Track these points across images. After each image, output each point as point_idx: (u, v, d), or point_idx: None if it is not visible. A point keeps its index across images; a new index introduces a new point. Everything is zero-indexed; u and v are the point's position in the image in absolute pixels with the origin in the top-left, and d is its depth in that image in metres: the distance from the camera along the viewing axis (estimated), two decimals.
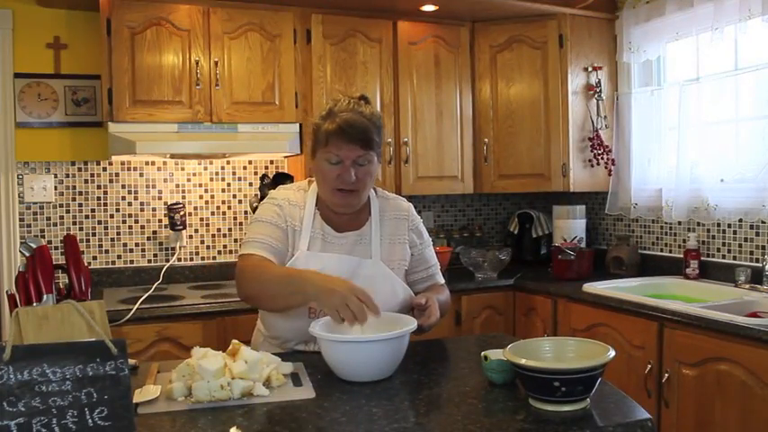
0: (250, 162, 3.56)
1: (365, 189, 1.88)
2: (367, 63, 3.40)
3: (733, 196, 2.98)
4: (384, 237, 1.94)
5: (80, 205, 3.28)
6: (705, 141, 3.16)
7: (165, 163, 3.41)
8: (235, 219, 3.53)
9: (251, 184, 3.56)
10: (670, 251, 3.40)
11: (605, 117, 3.58)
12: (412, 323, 1.65)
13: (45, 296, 1.87)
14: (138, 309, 2.72)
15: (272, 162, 3.60)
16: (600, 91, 3.55)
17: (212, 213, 3.50)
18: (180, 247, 3.42)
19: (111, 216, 3.33)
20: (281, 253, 1.85)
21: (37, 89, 3.19)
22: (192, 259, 3.45)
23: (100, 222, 3.32)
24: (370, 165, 1.85)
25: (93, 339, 1.21)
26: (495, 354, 1.54)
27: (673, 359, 2.52)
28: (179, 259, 3.42)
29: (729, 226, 3.07)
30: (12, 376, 1.11)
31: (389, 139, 3.45)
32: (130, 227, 3.36)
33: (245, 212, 3.53)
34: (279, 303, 1.78)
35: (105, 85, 2.96)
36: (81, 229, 3.28)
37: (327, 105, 1.88)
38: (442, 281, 2.10)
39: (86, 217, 3.29)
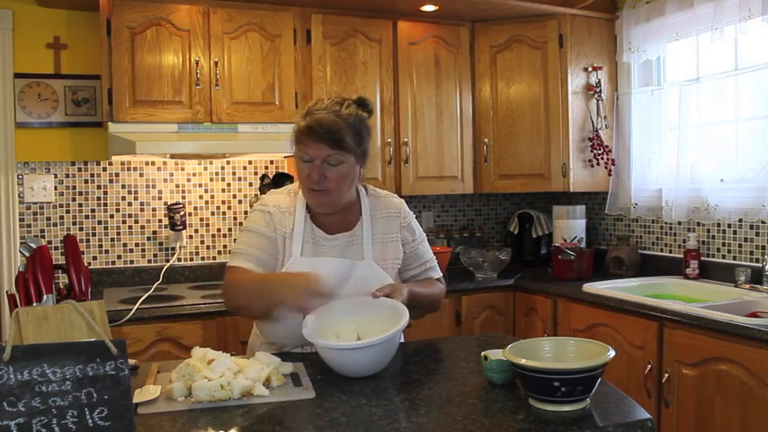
0: (250, 162, 3.56)
1: (338, 190, 1.82)
2: (367, 63, 3.40)
3: (733, 196, 2.98)
4: (376, 236, 1.92)
5: (80, 205, 3.28)
6: (705, 141, 3.16)
7: (165, 163, 3.41)
8: (235, 219, 3.53)
9: (251, 184, 3.56)
10: (670, 251, 3.40)
11: (605, 117, 3.58)
12: (404, 317, 1.64)
13: (45, 296, 1.87)
14: (138, 309, 2.73)
15: (272, 162, 3.60)
16: (600, 91, 3.55)
17: (212, 213, 3.50)
18: (180, 247, 3.42)
19: (111, 216, 3.33)
20: (267, 263, 1.85)
21: (37, 89, 3.19)
22: (191, 259, 3.45)
23: (100, 222, 3.32)
24: (342, 165, 1.79)
25: (93, 339, 1.21)
26: (495, 354, 1.54)
27: (673, 359, 2.52)
28: (179, 259, 3.42)
29: (729, 226, 3.07)
30: (12, 376, 1.11)
31: (389, 139, 3.45)
32: (130, 227, 3.36)
33: (245, 212, 3.53)
34: (260, 311, 1.78)
35: (105, 85, 2.96)
36: (81, 229, 3.28)
37: (308, 104, 1.87)
38: (438, 275, 2.07)
39: (86, 217, 3.29)
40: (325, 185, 1.80)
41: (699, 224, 3.20)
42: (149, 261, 3.39)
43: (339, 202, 1.87)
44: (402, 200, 2.03)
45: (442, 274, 2.09)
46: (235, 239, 3.50)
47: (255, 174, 3.56)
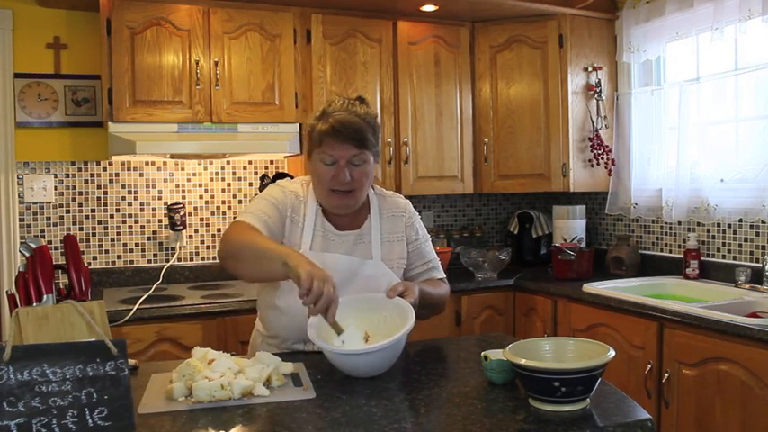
0: (250, 162, 3.56)
1: (362, 189, 1.86)
2: (367, 63, 3.40)
3: (733, 196, 2.98)
4: (383, 235, 1.94)
5: (80, 205, 3.28)
6: (705, 141, 3.16)
7: (165, 163, 3.41)
8: (234, 219, 3.52)
9: (251, 184, 3.56)
10: (670, 251, 3.40)
11: (605, 117, 3.58)
12: (410, 318, 1.64)
13: (45, 296, 1.87)
14: (138, 309, 2.72)
15: (272, 162, 3.60)
16: (600, 91, 3.55)
17: (212, 213, 3.50)
18: (180, 247, 3.42)
19: (111, 216, 3.33)
20: (273, 231, 1.82)
21: (37, 89, 3.19)
22: (191, 259, 3.45)
23: (100, 222, 3.32)
24: (366, 165, 1.83)
25: (93, 339, 1.21)
26: (495, 354, 1.54)
27: (673, 359, 2.52)
28: (179, 259, 3.42)
29: (729, 226, 3.07)
30: (12, 376, 1.11)
31: (389, 139, 3.45)
32: (130, 227, 3.36)
33: None
34: (254, 267, 1.70)
35: (105, 85, 2.96)
36: (81, 229, 3.28)
37: (322, 106, 1.88)
38: (441, 275, 2.07)
39: (86, 217, 3.29)
40: (351, 186, 1.81)
41: (699, 224, 3.20)
42: (149, 261, 3.39)
43: (359, 202, 1.89)
44: (407, 200, 2.05)
45: (445, 275, 2.10)
46: None
47: (255, 174, 3.56)
